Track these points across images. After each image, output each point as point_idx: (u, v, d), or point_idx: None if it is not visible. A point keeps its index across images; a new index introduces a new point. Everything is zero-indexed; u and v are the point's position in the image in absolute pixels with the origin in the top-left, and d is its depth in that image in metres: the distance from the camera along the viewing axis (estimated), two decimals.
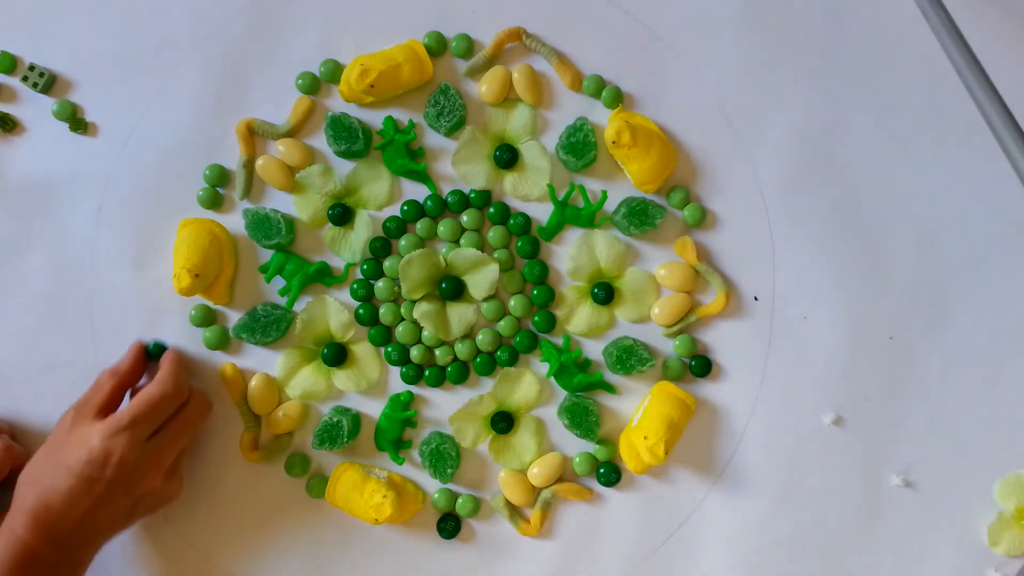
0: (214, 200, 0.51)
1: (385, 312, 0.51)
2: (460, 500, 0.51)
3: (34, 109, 0.51)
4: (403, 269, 0.49)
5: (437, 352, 0.51)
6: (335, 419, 0.49)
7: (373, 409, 0.51)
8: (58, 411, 0.50)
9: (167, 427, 0.46)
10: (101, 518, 0.44)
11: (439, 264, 0.50)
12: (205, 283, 0.49)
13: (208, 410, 0.49)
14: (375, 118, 0.51)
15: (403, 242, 0.51)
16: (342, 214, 0.50)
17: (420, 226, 0.51)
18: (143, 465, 0.44)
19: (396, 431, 0.51)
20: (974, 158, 0.51)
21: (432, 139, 0.51)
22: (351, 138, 0.50)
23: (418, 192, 0.51)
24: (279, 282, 0.51)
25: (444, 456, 0.50)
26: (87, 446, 0.43)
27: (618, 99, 0.51)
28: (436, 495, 0.51)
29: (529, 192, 0.51)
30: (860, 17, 0.51)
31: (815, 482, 0.51)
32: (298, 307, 0.51)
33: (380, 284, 0.51)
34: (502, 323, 0.51)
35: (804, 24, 0.51)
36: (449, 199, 0.51)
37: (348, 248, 0.51)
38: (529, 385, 0.50)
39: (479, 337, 0.51)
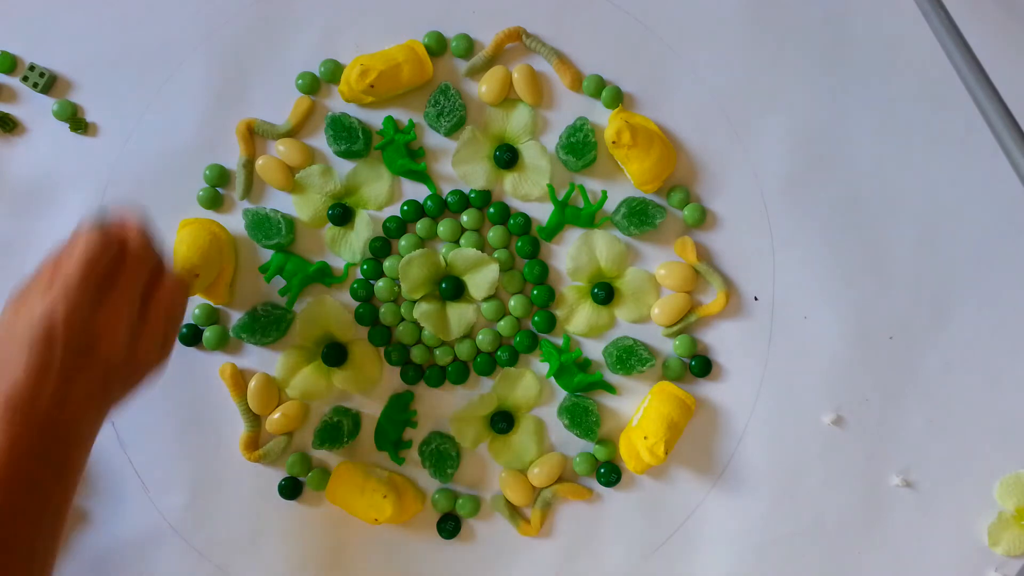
0: (214, 200, 0.51)
1: (385, 312, 0.51)
2: (460, 500, 0.51)
3: (34, 109, 0.51)
4: (403, 269, 0.49)
5: (437, 352, 0.51)
6: (335, 419, 0.49)
7: (373, 409, 0.51)
8: None
9: (124, 289, 0.41)
10: (73, 395, 0.39)
11: (439, 264, 0.50)
12: (205, 283, 0.49)
13: (185, 291, 0.44)
14: (375, 118, 0.51)
15: (403, 242, 0.51)
16: (342, 214, 0.50)
17: (420, 226, 0.51)
18: (93, 325, 0.39)
19: (396, 431, 0.51)
20: (974, 158, 0.51)
21: (432, 139, 0.51)
22: (351, 138, 0.50)
23: (418, 192, 0.51)
24: (279, 282, 0.51)
25: (444, 456, 0.50)
26: (31, 311, 0.39)
27: (618, 99, 0.51)
28: (436, 495, 0.51)
29: (529, 192, 0.51)
30: (860, 17, 0.52)
31: (815, 482, 0.51)
32: (298, 307, 0.51)
33: (380, 284, 0.51)
34: (502, 323, 0.51)
35: (804, 24, 0.52)
36: (449, 199, 0.51)
37: (348, 248, 0.51)
38: (529, 385, 0.50)
39: (479, 337, 0.51)
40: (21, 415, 0.38)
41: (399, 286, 0.51)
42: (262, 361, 0.51)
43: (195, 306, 0.51)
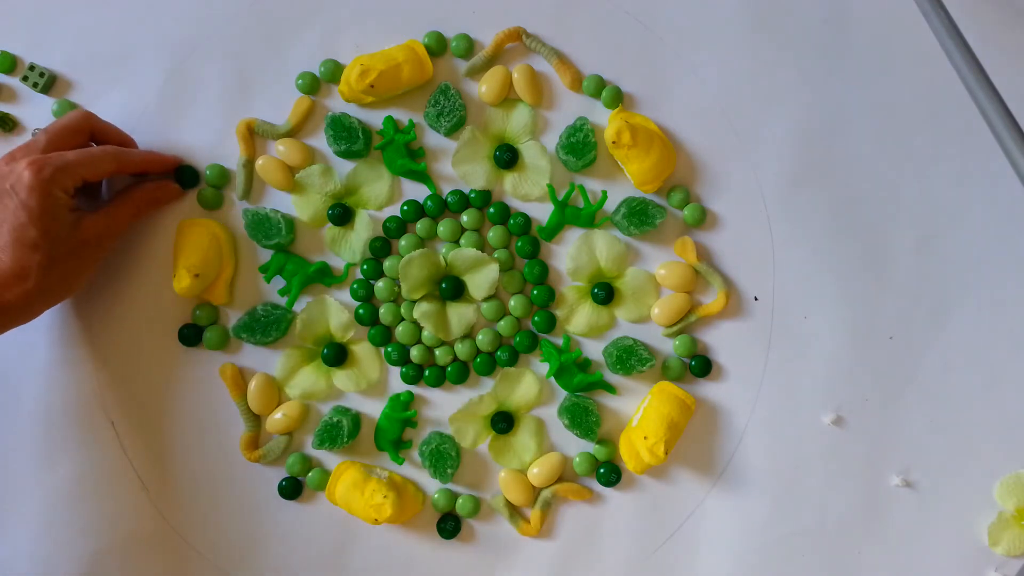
0: (214, 200, 0.51)
1: (385, 312, 0.51)
2: (460, 500, 0.51)
3: (34, 109, 0.51)
4: (403, 269, 0.49)
5: (437, 352, 0.51)
6: (335, 419, 0.49)
7: (373, 409, 0.51)
8: (56, 411, 0.50)
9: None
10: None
11: (439, 264, 0.50)
12: (205, 283, 0.49)
13: (169, 195, 0.50)
14: (375, 118, 0.51)
15: (403, 242, 0.51)
16: (342, 214, 0.50)
17: (420, 226, 0.51)
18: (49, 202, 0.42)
19: (396, 431, 0.51)
20: (974, 158, 0.51)
21: (432, 139, 0.51)
22: (351, 138, 0.50)
23: (418, 192, 0.51)
24: (279, 282, 0.51)
25: (444, 456, 0.50)
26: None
27: (618, 99, 0.51)
28: (436, 495, 0.51)
29: (529, 192, 0.51)
30: (860, 17, 0.52)
31: (815, 482, 0.51)
32: (298, 307, 0.51)
33: (380, 284, 0.51)
34: (502, 323, 0.51)
35: (804, 24, 0.51)
36: (449, 199, 0.51)
37: (348, 248, 0.51)
38: (529, 385, 0.50)
39: (479, 337, 0.51)
40: None
41: (399, 286, 0.51)
42: (262, 361, 0.51)
43: (195, 306, 0.51)
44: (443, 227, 0.50)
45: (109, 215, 0.47)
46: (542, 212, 0.51)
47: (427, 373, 0.51)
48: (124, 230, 0.48)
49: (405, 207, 0.51)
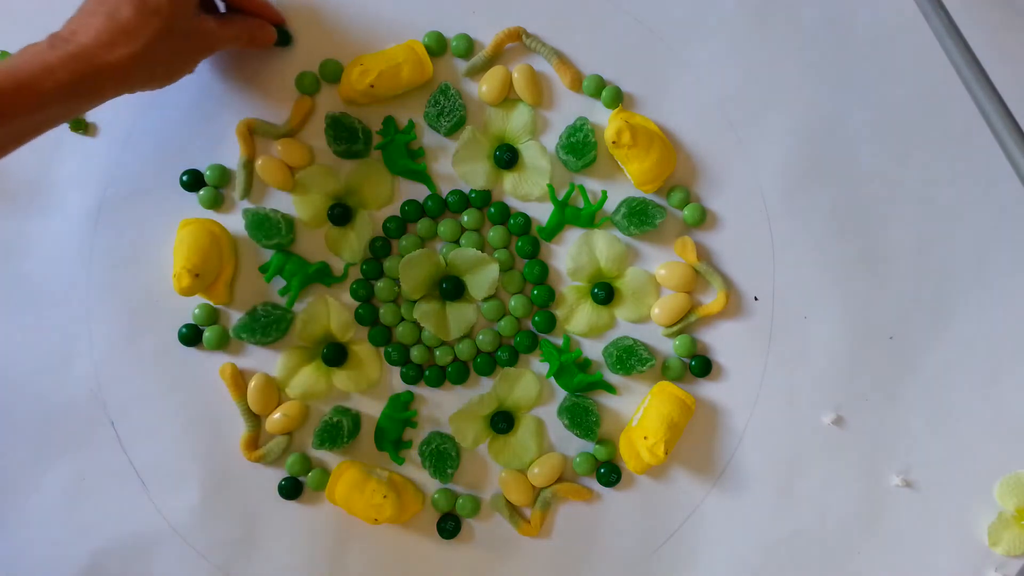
0: (214, 200, 0.51)
1: (385, 312, 0.51)
2: (460, 500, 0.51)
3: None
4: (403, 269, 0.49)
5: (437, 352, 0.51)
6: (335, 419, 0.49)
7: (373, 409, 0.51)
8: (54, 412, 0.50)
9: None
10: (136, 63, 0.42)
11: (439, 264, 0.50)
12: (205, 283, 0.49)
13: (266, 37, 0.49)
14: (375, 118, 0.51)
15: (403, 242, 0.51)
16: (342, 214, 0.50)
17: (420, 226, 0.51)
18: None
19: (396, 431, 0.51)
20: (974, 158, 0.51)
21: (432, 139, 0.51)
22: (351, 138, 0.50)
23: (418, 192, 0.51)
24: (279, 282, 0.51)
25: (444, 456, 0.50)
26: None
27: (618, 99, 0.51)
28: (436, 495, 0.51)
29: (529, 192, 0.51)
30: (860, 17, 0.52)
31: (815, 482, 0.51)
32: (298, 307, 0.51)
33: (380, 284, 0.51)
34: (502, 323, 0.51)
35: (804, 24, 0.51)
36: (449, 199, 0.51)
37: (348, 248, 0.51)
38: (529, 385, 0.50)
39: (479, 337, 0.51)
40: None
41: (399, 286, 0.51)
42: (262, 361, 0.51)
43: (195, 306, 0.51)
44: (443, 227, 0.50)
45: (221, 25, 0.47)
46: (542, 212, 0.51)
47: (427, 373, 0.51)
48: (224, 47, 0.48)
49: (405, 207, 0.51)
